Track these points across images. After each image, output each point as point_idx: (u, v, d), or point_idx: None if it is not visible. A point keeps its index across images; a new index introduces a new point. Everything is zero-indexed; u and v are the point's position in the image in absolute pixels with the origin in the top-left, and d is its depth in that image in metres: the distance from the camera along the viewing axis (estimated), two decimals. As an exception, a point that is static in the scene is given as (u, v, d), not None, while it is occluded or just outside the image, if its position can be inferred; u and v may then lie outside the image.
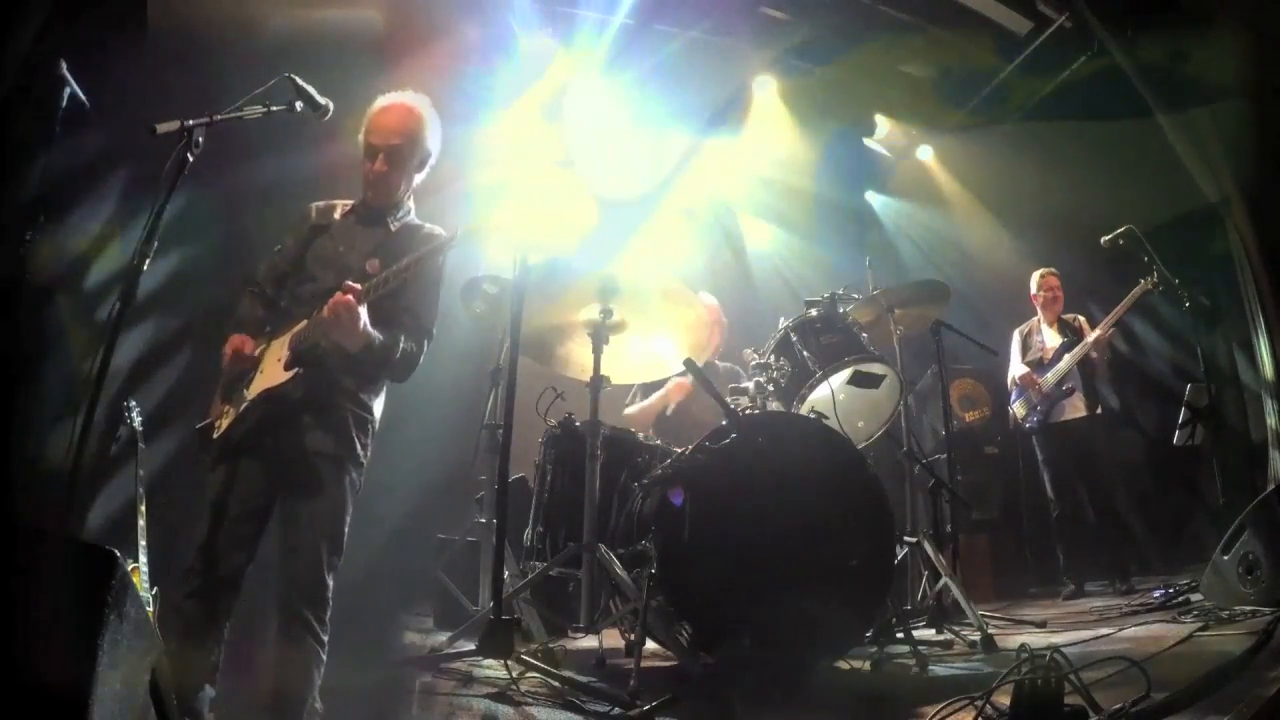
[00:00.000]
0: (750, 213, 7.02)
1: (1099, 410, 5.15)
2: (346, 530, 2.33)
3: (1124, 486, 5.57)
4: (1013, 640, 3.19)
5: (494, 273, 4.12)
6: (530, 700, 2.51)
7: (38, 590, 1.21)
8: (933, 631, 3.48)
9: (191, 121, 2.06)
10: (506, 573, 2.80)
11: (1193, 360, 5.02)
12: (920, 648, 3.03)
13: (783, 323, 3.63)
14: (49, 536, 1.44)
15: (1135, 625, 3.40)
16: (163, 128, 2.02)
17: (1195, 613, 3.40)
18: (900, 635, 3.08)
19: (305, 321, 2.33)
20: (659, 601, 2.72)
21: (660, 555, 2.72)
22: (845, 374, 3.49)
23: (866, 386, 3.58)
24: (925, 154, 6.75)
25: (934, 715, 2.10)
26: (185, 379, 3.90)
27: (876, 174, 7.06)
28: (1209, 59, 4.28)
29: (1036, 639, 3.24)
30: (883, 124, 6.54)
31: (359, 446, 2.39)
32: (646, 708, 2.28)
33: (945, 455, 4.75)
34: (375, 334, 2.29)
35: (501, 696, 2.53)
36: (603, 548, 2.93)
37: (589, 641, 3.38)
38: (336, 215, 2.59)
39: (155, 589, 3.10)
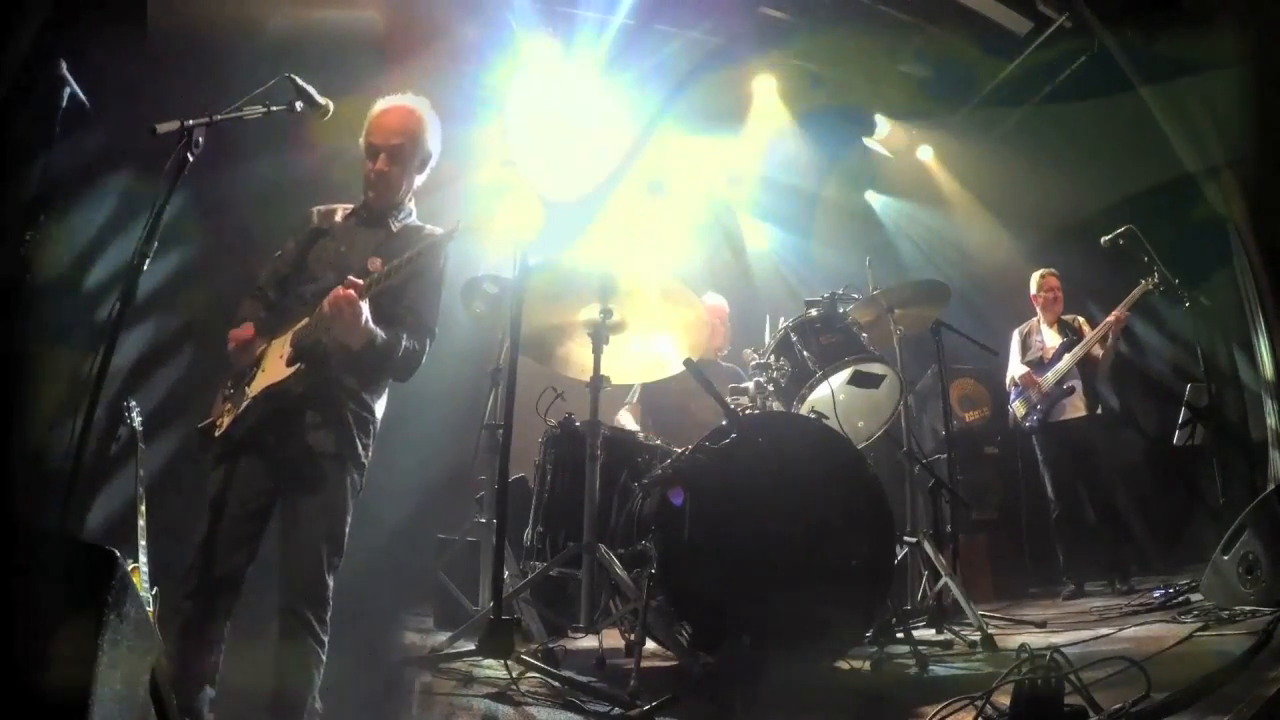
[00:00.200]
0: (750, 213, 7.02)
1: (1099, 410, 5.15)
2: (347, 530, 2.33)
3: (1124, 486, 5.57)
4: (1013, 640, 3.19)
5: (494, 273, 4.12)
6: (530, 700, 2.51)
7: (38, 590, 1.21)
8: (933, 631, 3.47)
9: (191, 121, 2.06)
10: (506, 573, 2.81)
11: (1193, 360, 5.02)
12: (920, 648, 3.03)
13: (783, 323, 3.64)
14: (49, 536, 1.44)
15: (1135, 625, 3.40)
16: (163, 128, 2.02)
17: (1195, 613, 3.40)
18: (900, 635, 3.08)
19: (307, 319, 2.33)
20: (659, 601, 2.72)
21: (660, 555, 2.72)
22: (845, 374, 3.49)
23: (866, 386, 3.58)
24: (925, 154, 6.74)
25: (934, 715, 2.10)
26: (185, 379, 3.90)
27: (876, 174, 7.06)
28: (1209, 59, 4.28)
29: (1036, 639, 3.24)
30: (883, 124, 6.53)
31: (360, 447, 2.39)
32: (646, 708, 2.28)
33: (945, 455, 4.75)
34: (378, 331, 2.28)
35: (501, 696, 2.53)
36: (603, 548, 2.93)
37: (589, 641, 3.38)
38: (338, 218, 2.60)
39: (155, 589, 3.10)
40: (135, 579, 2.41)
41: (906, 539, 3.70)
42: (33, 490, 2.88)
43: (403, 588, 4.08)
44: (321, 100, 2.34)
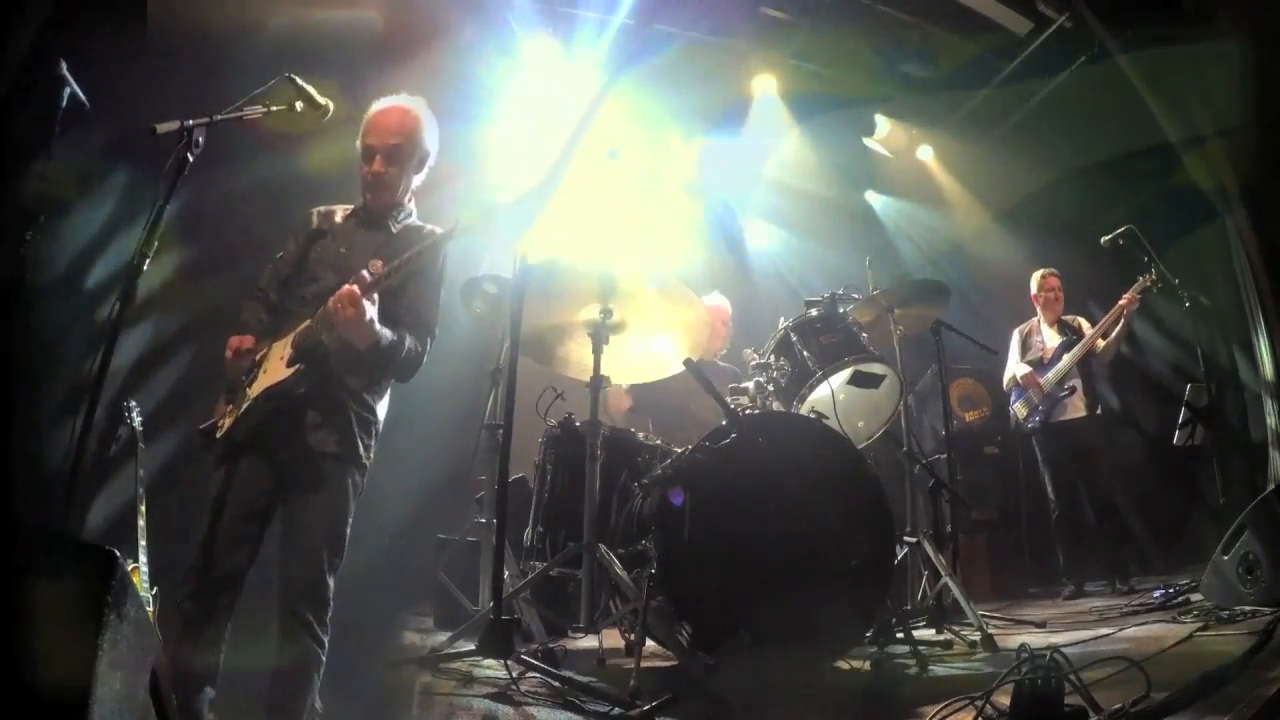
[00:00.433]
0: (750, 213, 7.02)
1: (1099, 410, 5.15)
2: (348, 531, 2.33)
3: (1124, 486, 5.56)
4: (1013, 640, 3.19)
5: (494, 273, 4.12)
6: (530, 700, 2.51)
7: (38, 590, 1.21)
8: (933, 631, 3.47)
9: (191, 121, 2.07)
10: (506, 573, 2.80)
11: (1193, 360, 5.02)
12: (920, 648, 3.03)
13: (783, 322, 3.63)
14: (49, 536, 1.44)
15: (1135, 625, 3.40)
16: (163, 128, 2.02)
17: (1195, 613, 3.40)
18: (900, 635, 3.08)
19: (308, 321, 2.33)
20: (659, 601, 2.72)
21: (660, 555, 2.72)
22: (845, 374, 3.49)
23: (866, 386, 3.58)
24: (925, 154, 6.74)
25: (934, 715, 2.10)
26: (185, 379, 3.90)
27: (876, 174, 7.05)
28: (1209, 59, 4.28)
29: (1036, 639, 3.23)
30: (883, 124, 6.53)
31: (362, 447, 2.39)
32: (646, 708, 2.28)
33: (945, 455, 4.75)
34: (383, 330, 2.28)
35: (501, 696, 2.53)
36: (603, 548, 2.93)
37: (589, 641, 3.37)
38: (338, 219, 2.59)
39: (155, 589, 3.10)
40: (135, 579, 2.42)
41: (906, 539, 3.70)
42: (33, 490, 2.88)
43: (403, 588, 4.08)
44: (321, 100, 2.34)
